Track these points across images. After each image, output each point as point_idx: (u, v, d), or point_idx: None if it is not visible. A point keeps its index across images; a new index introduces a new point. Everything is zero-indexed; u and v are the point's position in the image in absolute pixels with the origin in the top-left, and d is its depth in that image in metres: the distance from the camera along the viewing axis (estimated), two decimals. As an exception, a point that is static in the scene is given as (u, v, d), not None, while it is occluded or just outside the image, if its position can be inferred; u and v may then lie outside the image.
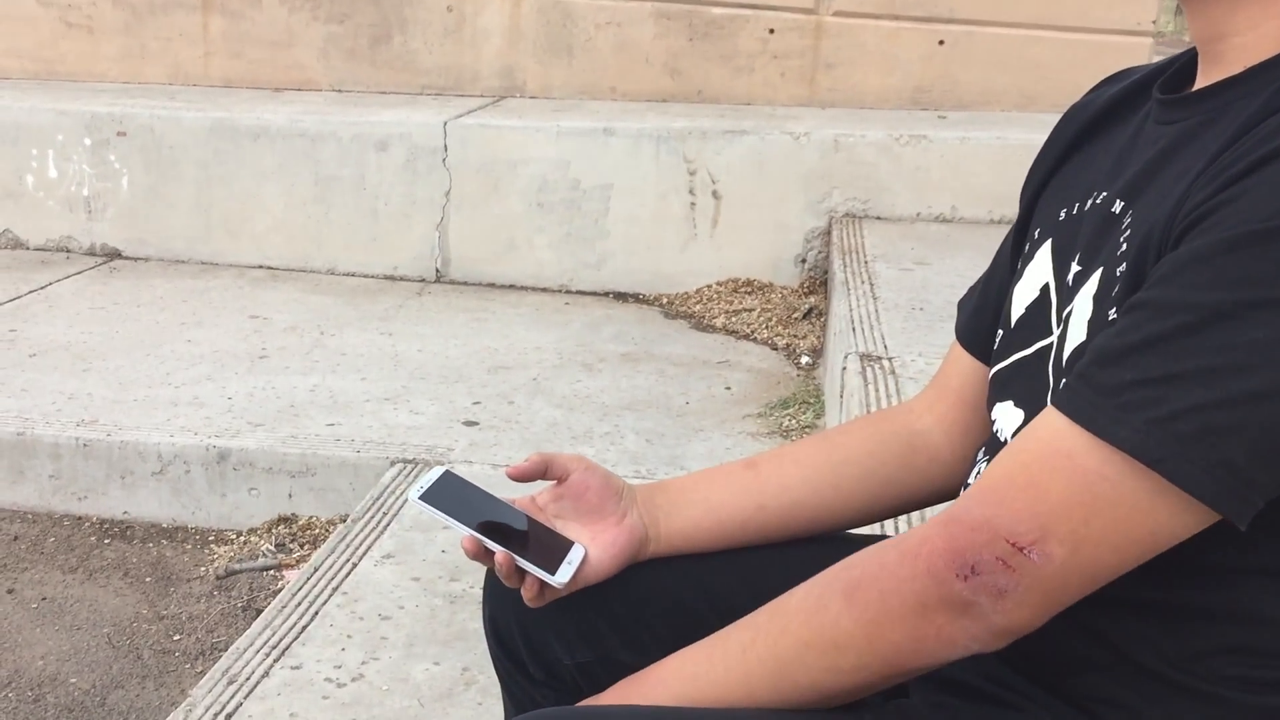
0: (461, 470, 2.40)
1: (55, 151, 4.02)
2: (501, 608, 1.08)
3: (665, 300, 3.77)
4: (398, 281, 3.89)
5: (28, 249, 4.10)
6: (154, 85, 4.53)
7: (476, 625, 1.90)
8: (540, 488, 1.06)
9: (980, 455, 0.96)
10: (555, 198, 3.79)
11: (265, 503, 2.55)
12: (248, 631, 1.93)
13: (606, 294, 3.83)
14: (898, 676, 0.80)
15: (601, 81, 4.31)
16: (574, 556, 0.99)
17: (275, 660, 1.82)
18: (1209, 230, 0.71)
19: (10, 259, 4.00)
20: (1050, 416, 0.75)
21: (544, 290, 3.84)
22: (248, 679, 1.77)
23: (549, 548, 0.99)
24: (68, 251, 4.08)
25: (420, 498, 0.99)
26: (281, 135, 3.88)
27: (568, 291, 3.84)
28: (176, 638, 2.18)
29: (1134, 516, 0.71)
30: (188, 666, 2.09)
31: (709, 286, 3.76)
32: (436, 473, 1.03)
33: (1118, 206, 0.84)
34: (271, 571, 2.40)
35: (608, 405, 2.86)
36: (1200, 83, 0.83)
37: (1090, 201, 0.88)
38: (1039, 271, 0.93)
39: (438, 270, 3.91)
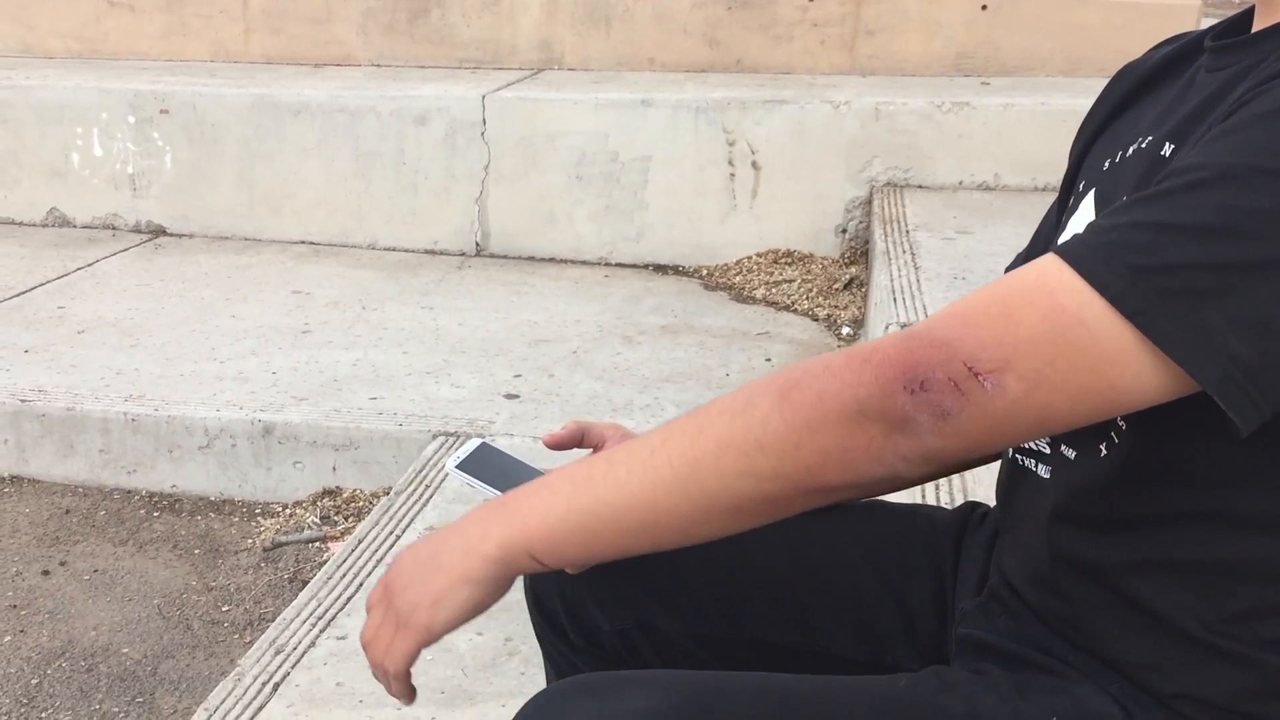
0: (502, 443, 2.42)
1: (100, 130, 4.07)
2: (542, 576, 1.09)
3: (705, 272, 3.76)
4: (438, 256, 3.91)
5: (74, 227, 4.16)
6: (195, 63, 4.56)
7: (519, 597, 1.90)
8: (577, 456, 1.07)
9: None
10: (594, 170, 3.79)
11: (310, 476, 2.58)
12: (294, 602, 1.96)
13: (646, 266, 3.82)
14: (814, 493, 0.75)
15: (640, 52, 4.29)
16: None
17: (321, 631, 1.84)
18: (1240, 113, 0.71)
19: (57, 236, 4.06)
20: (1043, 258, 0.73)
21: (583, 263, 3.85)
22: (294, 649, 1.79)
23: None
24: (113, 229, 4.13)
25: (458, 467, 1.00)
26: (322, 111, 3.90)
27: (607, 264, 3.84)
28: (225, 608, 2.22)
29: (1100, 367, 0.69)
30: (236, 637, 2.13)
31: (749, 258, 3.74)
32: (474, 443, 1.04)
33: (1167, 149, 0.82)
34: (317, 544, 2.43)
35: (648, 377, 2.87)
36: (1255, 29, 0.82)
37: (1135, 147, 0.87)
38: (1082, 221, 0.91)
39: (477, 244, 3.92)
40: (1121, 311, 0.68)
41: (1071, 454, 0.87)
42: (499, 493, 0.98)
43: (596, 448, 1.04)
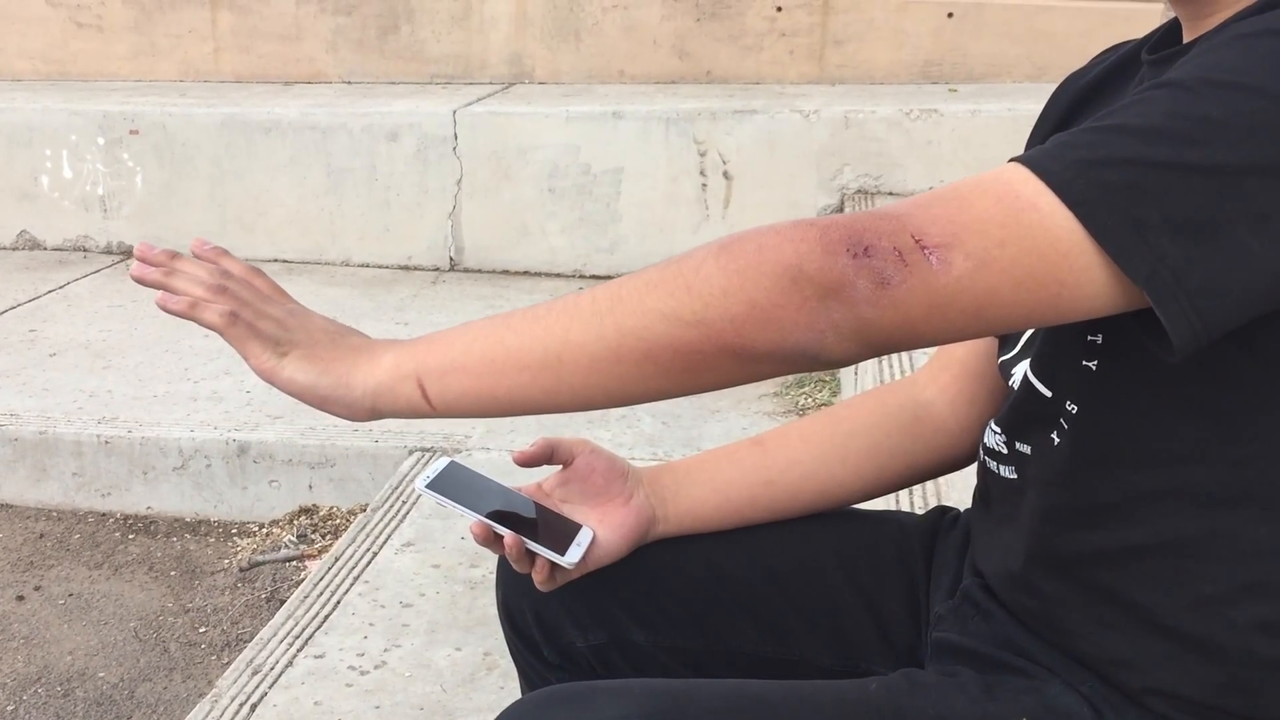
0: (478, 457, 2.41)
1: (69, 151, 4.05)
2: (515, 593, 1.09)
3: (679, 282, 3.76)
4: (412, 271, 3.90)
5: (45, 249, 4.14)
6: (165, 82, 4.54)
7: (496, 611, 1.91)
8: (547, 474, 1.07)
9: (992, 425, 0.96)
10: (566, 183, 3.80)
11: (286, 494, 2.57)
12: (271, 622, 1.95)
13: (620, 277, 3.82)
14: (732, 353, 0.70)
15: (610, 65, 4.30)
16: (583, 539, 1.00)
17: (299, 650, 1.83)
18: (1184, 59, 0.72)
19: (28, 259, 4.03)
20: (1003, 165, 0.72)
21: (558, 276, 3.85)
22: (272, 669, 1.78)
23: (558, 531, 1.00)
24: (85, 251, 4.11)
25: (428, 486, 0.99)
26: (293, 129, 3.90)
27: (581, 276, 3.84)
28: (202, 630, 2.21)
29: (1050, 256, 0.67)
30: (214, 658, 2.11)
31: (723, 267, 3.75)
32: (442, 462, 1.03)
33: None
34: (294, 562, 2.41)
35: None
36: (1186, 40, 0.84)
37: None
38: None
39: (451, 259, 3.91)
40: (1064, 201, 0.67)
41: (1027, 449, 0.87)
42: (470, 511, 0.98)
43: (566, 464, 1.04)
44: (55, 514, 2.64)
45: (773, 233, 0.70)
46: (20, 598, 2.32)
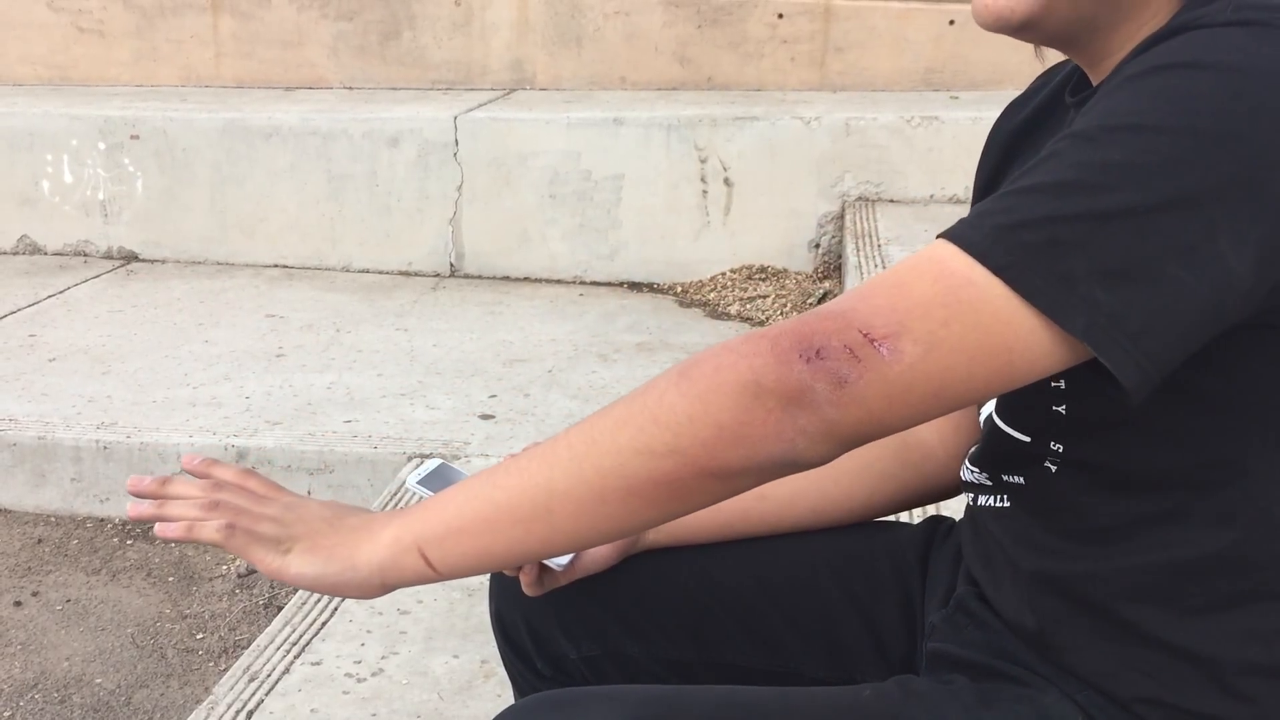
0: (478, 464, 2.41)
1: (70, 156, 4.05)
2: (507, 604, 1.08)
3: (679, 289, 3.77)
4: (412, 277, 3.90)
5: (45, 254, 4.14)
6: (166, 88, 4.55)
7: (495, 618, 1.90)
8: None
9: (969, 465, 0.96)
10: (567, 189, 3.79)
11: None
12: (268, 629, 1.94)
13: (621, 284, 3.83)
14: (711, 476, 0.72)
15: (611, 71, 4.30)
16: None
17: (296, 657, 1.83)
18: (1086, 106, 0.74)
19: (28, 264, 4.03)
20: (935, 239, 0.74)
21: (558, 282, 3.85)
22: (269, 676, 1.78)
23: None
24: (85, 255, 4.11)
25: (419, 483, 0.99)
26: (293, 134, 3.90)
27: (582, 283, 3.84)
28: (199, 636, 2.20)
29: (994, 326, 0.68)
30: (211, 664, 2.11)
31: (723, 274, 3.75)
32: (433, 463, 1.03)
33: None
34: (292, 569, 2.41)
35: (624, 395, 2.86)
36: (1094, 84, 0.85)
37: None
38: None
39: (452, 265, 3.91)
40: (990, 269, 0.68)
41: (1020, 479, 0.88)
42: None
43: None
44: (54, 519, 2.64)
45: (727, 351, 0.72)
46: (18, 603, 2.31)
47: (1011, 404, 0.87)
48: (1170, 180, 0.67)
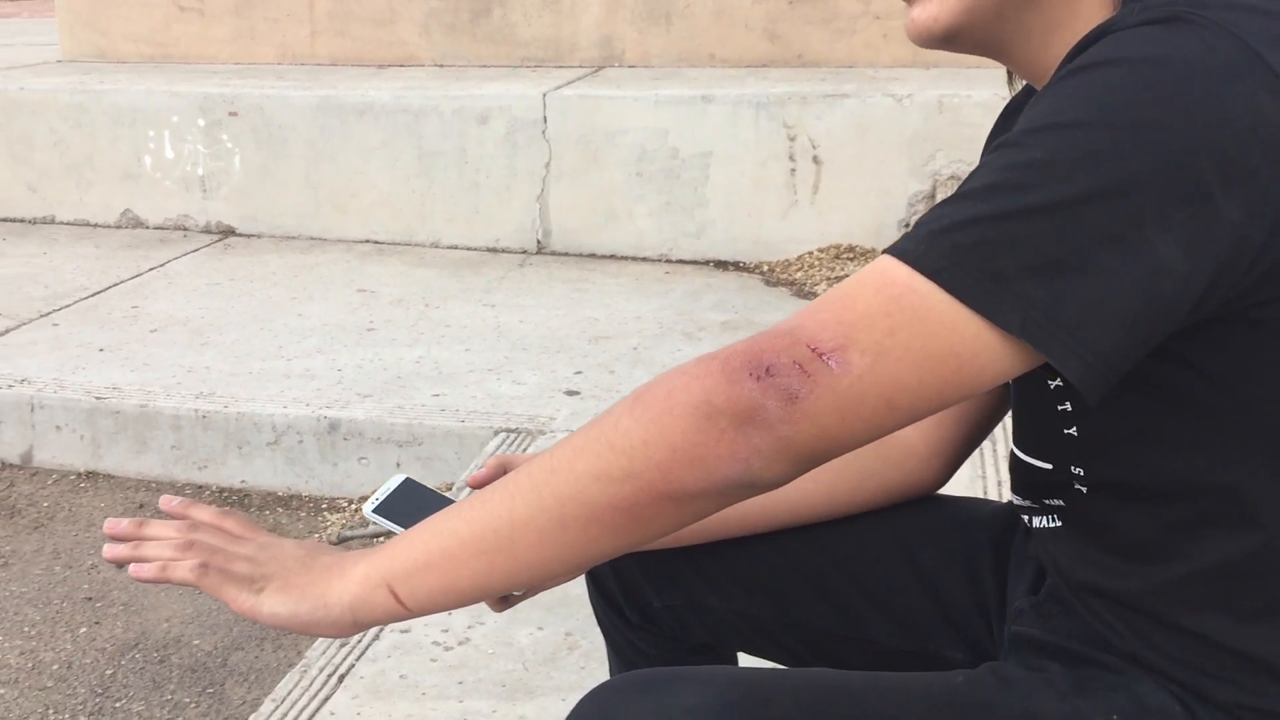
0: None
1: (171, 133, 4.16)
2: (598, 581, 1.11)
3: (766, 268, 3.75)
4: (499, 253, 3.94)
5: (147, 228, 4.25)
6: (263, 65, 4.64)
7: (579, 591, 1.92)
8: None
9: (1013, 496, 0.96)
10: (654, 167, 3.80)
11: (374, 471, 2.62)
12: (359, 596, 1.98)
13: (707, 262, 3.82)
14: (667, 499, 0.71)
15: (700, 48, 4.29)
16: None
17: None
18: None
19: (131, 237, 4.16)
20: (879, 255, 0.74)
21: (644, 260, 3.85)
22: (359, 641, 1.82)
23: None
24: (184, 230, 4.22)
25: (374, 510, 0.97)
26: (386, 111, 3.95)
27: (668, 261, 3.85)
28: (292, 602, 2.26)
29: (939, 332, 0.69)
30: (303, 629, 2.17)
31: (810, 253, 3.73)
32: (395, 480, 1.01)
33: None
34: (381, 538, 2.46)
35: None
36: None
37: None
38: None
39: (539, 242, 3.94)
40: (924, 274, 0.69)
41: (1060, 502, 0.88)
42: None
43: None
44: (154, 485, 2.72)
45: (679, 374, 0.72)
46: (120, 566, 2.39)
47: (1027, 434, 0.88)
48: (1091, 173, 0.67)
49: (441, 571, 0.77)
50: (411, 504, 0.99)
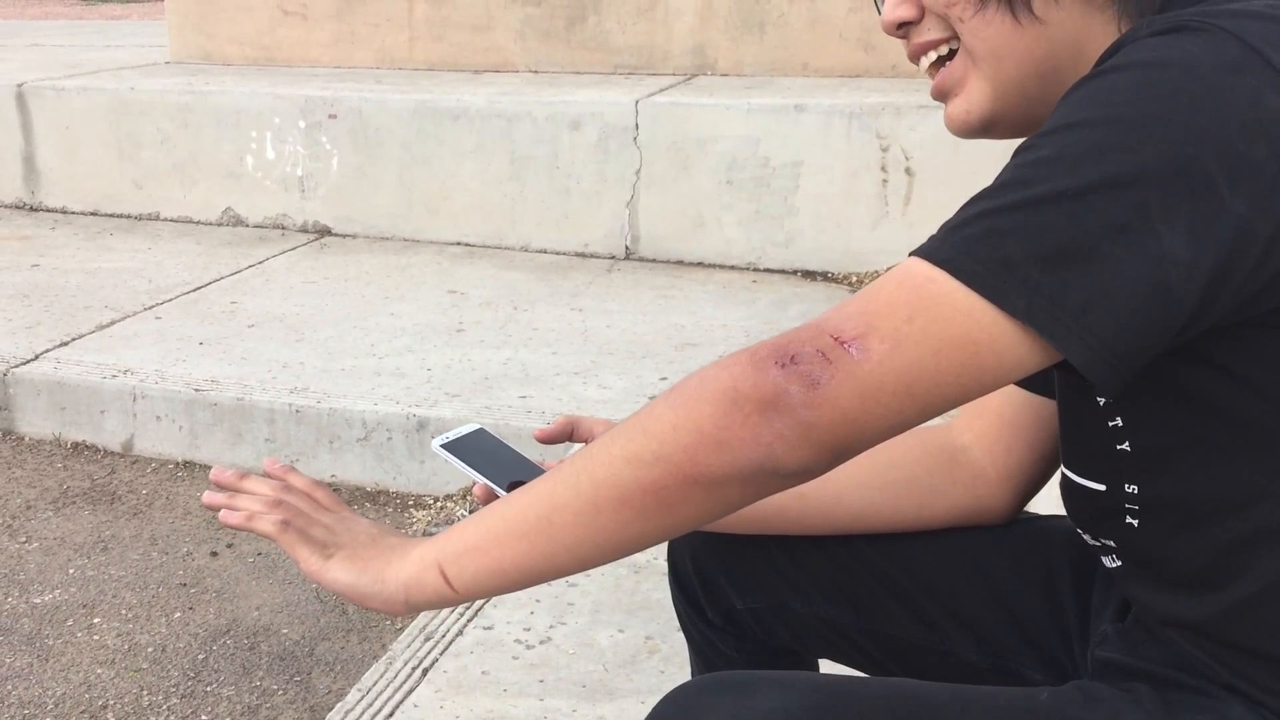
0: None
1: (273, 134, 4.26)
2: (680, 552, 1.13)
3: (854, 279, 3.73)
4: (588, 258, 3.97)
5: (247, 226, 4.37)
6: (362, 69, 4.74)
7: (660, 595, 1.93)
8: (573, 450, 1.09)
9: (1077, 529, 0.95)
10: (744, 175, 3.80)
11: (460, 470, 2.65)
12: (443, 592, 2.02)
13: (794, 272, 3.81)
14: (695, 483, 0.74)
15: (793, 58, 4.28)
16: None
17: (469, 620, 1.90)
18: None
19: (231, 235, 4.27)
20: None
21: (731, 268, 3.86)
22: (443, 636, 1.85)
23: None
24: (283, 229, 4.32)
25: (443, 445, 1.01)
26: (480, 116, 4.01)
27: (755, 269, 3.84)
28: (378, 595, 2.30)
29: (955, 318, 0.71)
30: (388, 623, 2.21)
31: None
32: (468, 427, 1.05)
33: None
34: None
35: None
36: None
37: None
38: None
39: (627, 247, 3.96)
40: (938, 264, 0.71)
41: (1112, 542, 0.88)
42: (480, 475, 1.00)
43: (587, 441, 1.06)
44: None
45: (712, 365, 0.76)
46: (214, 554, 2.46)
47: (1078, 454, 0.88)
48: (1097, 166, 0.69)
49: (485, 553, 0.80)
50: (480, 448, 1.04)
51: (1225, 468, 0.78)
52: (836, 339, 0.71)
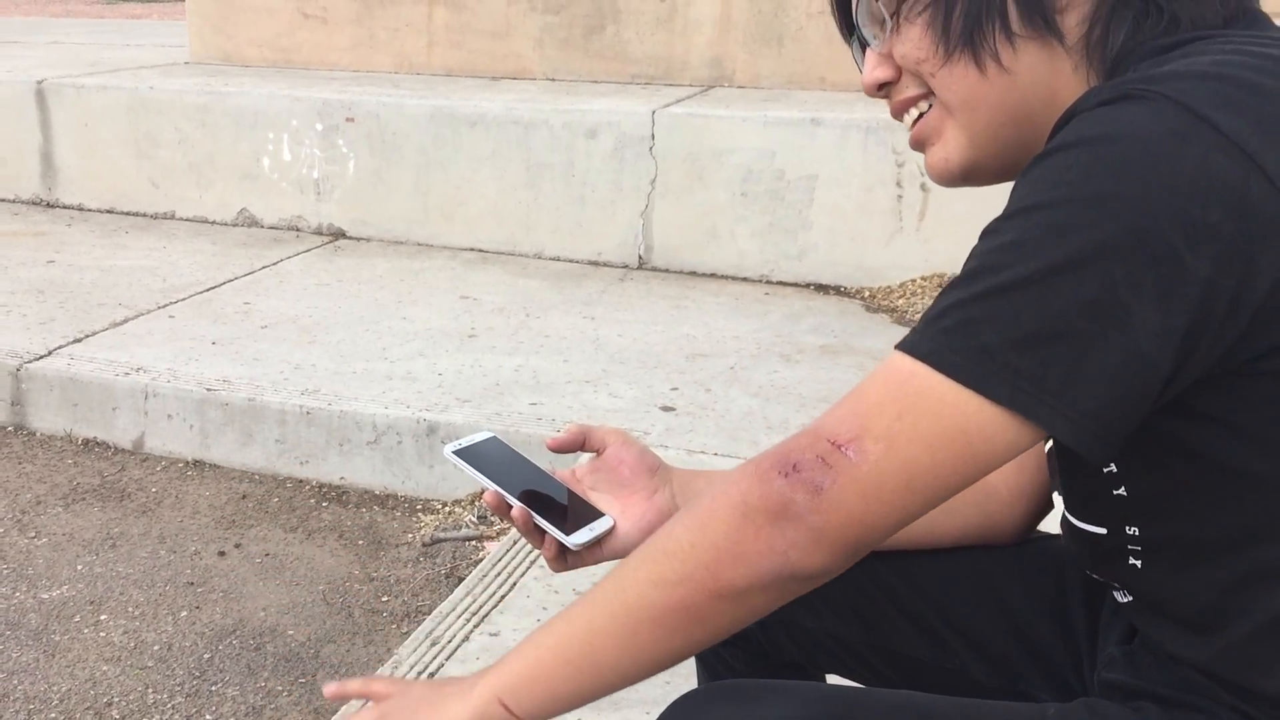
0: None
1: (290, 136, 4.28)
2: None
3: (867, 294, 3.72)
4: (601, 267, 3.97)
5: (262, 227, 4.38)
6: (381, 74, 4.75)
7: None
8: (584, 459, 1.11)
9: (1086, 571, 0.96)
10: (759, 188, 3.80)
11: (469, 476, 2.65)
12: (450, 597, 2.02)
13: (807, 285, 3.81)
14: (720, 597, 0.77)
15: (811, 71, 4.28)
16: (598, 526, 1.02)
17: (475, 626, 1.90)
18: None
19: (246, 236, 4.28)
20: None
21: (744, 280, 3.86)
22: (449, 642, 1.85)
23: (576, 514, 1.02)
24: (297, 230, 4.34)
25: (455, 452, 1.02)
26: (497, 123, 4.02)
27: (768, 282, 3.84)
28: (385, 599, 2.31)
29: (942, 411, 0.73)
30: (394, 627, 2.21)
31: (913, 281, 3.69)
32: (481, 435, 1.06)
33: None
34: (473, 542, 2.50)
35: (805, 397, 2.86)
36: None
37: None
38: None
39: (640, 257, 3.97)
40: (918, 358, 0.74)
41: (1117, 583, 0.89)
42: (493, 483, 1.02)
43: (599, 452, 1.07)
44: (257, 477, 2.80)
45: (723, 483, 0.79)
46: (222, 553, 2.47)
47: (1078, 499, 0.89)
48: (1058, 246, 0.71)
49: (540, 683, 0.84)
50: (492, 456, 1.05)
51: (1220, 510, 0.79)
52: (833, 443, 0.75)
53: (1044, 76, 0.83)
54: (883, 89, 0.91)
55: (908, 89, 0.89)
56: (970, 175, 0.89)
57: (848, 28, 0.94)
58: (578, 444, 1.07)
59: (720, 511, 0.77)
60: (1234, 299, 0.71)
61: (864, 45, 0.92)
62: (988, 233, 0.75)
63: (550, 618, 0.87)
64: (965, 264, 0.76)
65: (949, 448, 0.73)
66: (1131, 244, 0.70)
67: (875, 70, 0.90)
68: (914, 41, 0.86)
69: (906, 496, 0.75)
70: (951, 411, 0.73)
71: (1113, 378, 0.71)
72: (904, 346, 0.76)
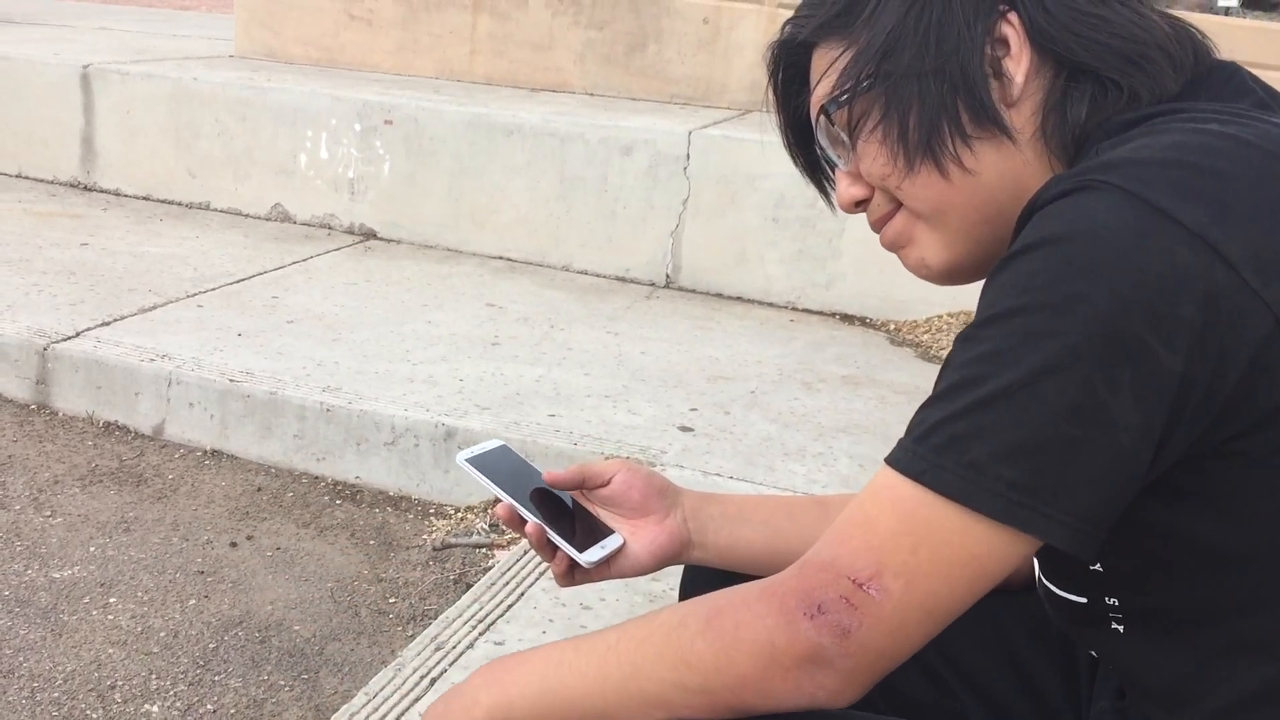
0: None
1: (328, 135, 4.31)
2: (693, 586, 1.12)
3: (893, 326, 3.71)
4: (628, 283, 3.98)
5: (295, 223, 4.41)
6: (422, 78, 4.78)
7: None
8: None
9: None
10: (791, 214, 3.80)
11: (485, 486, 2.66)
12: (457, 603, 2.02)
13: (833, 314, 3.80)
14: (740, 710, 0.80)
15: (849, 101, 4.28)
16: (609, 543, 1.02)
17: (480, 634, 1.90)
18: None
19: (279, 231, 4.31)
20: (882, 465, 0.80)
21: (770, 305, 3.85)
22: (454, 647, 1.85)
23: (587, 531, 1.03)
24: (329, 229, 4.37)
25: (467, 460, 1.03)
26: (533, 134, 4.04)
27: (794, 309, 3.84)
28: (392, 600, 2.31)
29: (952, 540, 0.74)
30: (400, 629, 2.21)
31: (940, 316, 3.68)
32: (492, 443, 1.07)
33: None
34: (483, 549, 2.50)
35: (824, 425, 2.85)
36: None
37: None
38: None
39: (668, 276, 3.97)
40: (911, 479, 0.74)
41: (1094, 645, 0.89)
42: (504, 493, 1.02)
43: (603, 485, 1.08)
44: (273, 470, 2.81)
45: (744, 607, 0.79)
46: (233, 544, 2.48)
47: (1056, 569, 0.89)
48: (1035, 352, 0.71)
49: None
50: (503, 465, 1.05)
51: (1193, 586, 0.79)
52: (854, 581, 0.75)
53: (1007, 170, 0.84)
54: (859, 206, 0.93)
55: (882, 206, 0.91)
56: (952, 275, 0.90)
57: (809, 164, 0.98)
58: (577, 483, 1.08)
59: (745, 645, 0.78)
60: (1207, 388, 0.71)
61: (832, 167, 0.95)
62: (964, 339, 0.76)
63: (559, 666, 0.88)
64: (944, 373, 0.77)
65: (963, 574, 0.75)
66: (1104, 344, 0.70)
67: (849, 189, 0.92)
68: (873, 158, 0.88)
69: (928, 625, 0.76)
70: (962, 539, 0.74)
71: (1100, 478, 0.72)
72: (897, 465, 0.76)
